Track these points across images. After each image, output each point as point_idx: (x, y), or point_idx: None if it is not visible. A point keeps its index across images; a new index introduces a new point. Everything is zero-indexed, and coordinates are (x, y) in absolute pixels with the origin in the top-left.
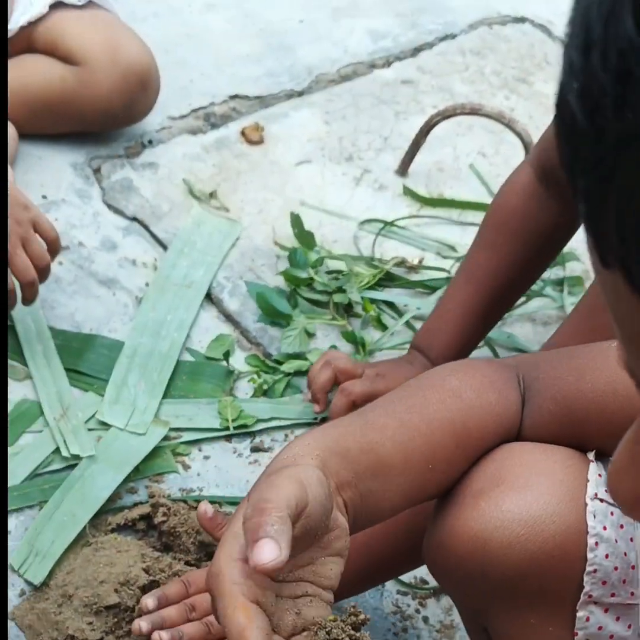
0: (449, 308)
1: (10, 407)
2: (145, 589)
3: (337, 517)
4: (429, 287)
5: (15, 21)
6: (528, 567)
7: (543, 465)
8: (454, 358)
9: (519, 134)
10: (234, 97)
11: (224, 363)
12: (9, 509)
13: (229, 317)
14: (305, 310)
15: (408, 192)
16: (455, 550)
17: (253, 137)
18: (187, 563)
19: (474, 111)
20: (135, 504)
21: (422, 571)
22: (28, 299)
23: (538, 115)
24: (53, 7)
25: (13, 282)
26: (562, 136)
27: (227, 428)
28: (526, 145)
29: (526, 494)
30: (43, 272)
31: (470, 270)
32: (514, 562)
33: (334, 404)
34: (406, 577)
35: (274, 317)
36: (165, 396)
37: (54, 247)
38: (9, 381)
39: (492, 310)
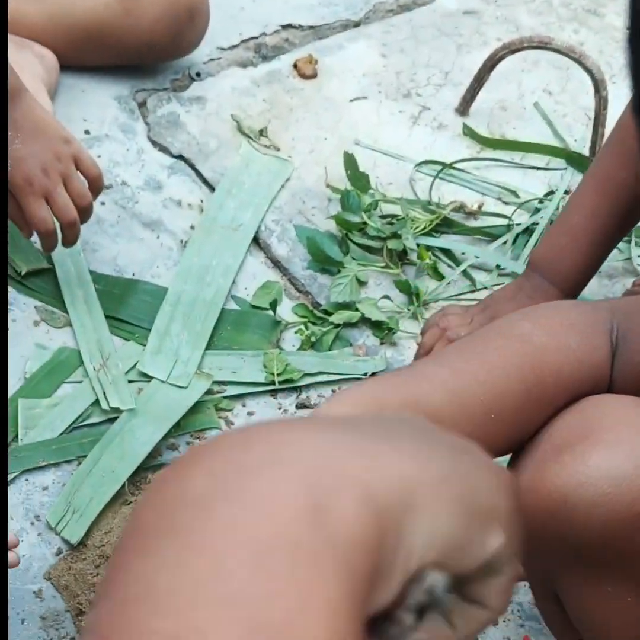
0: (576, 221)
1: (48, 356)
2: None
3: None
4: (488, 235)
5: None
6: (613, 529)
7: (637, 421)
8: (582, 282)
9: (589, 70)
10: (286, 27)
11: (271, 313)
12: (47, 462)
13: (276, 263)
14: (357, 256)
15: (468, 132)
16: (533, 507)
17: (306, 71)
18: None
19: (543, 45)
20: None
21: None
22: (68, 241)
23: (609, 50)
24: None
25: (53, 222)
26: (634, 73)
27: (272, 382)
28: (597, 83)
29: (616, 450)
30: (85, 212)
31: (600, 179)
32: (598, 522)
33: (425, 338)
34: None
35: (324, 264)
36: (208, 347)
37: (97, 185)
38: (48, 328)
39: (622, 228)
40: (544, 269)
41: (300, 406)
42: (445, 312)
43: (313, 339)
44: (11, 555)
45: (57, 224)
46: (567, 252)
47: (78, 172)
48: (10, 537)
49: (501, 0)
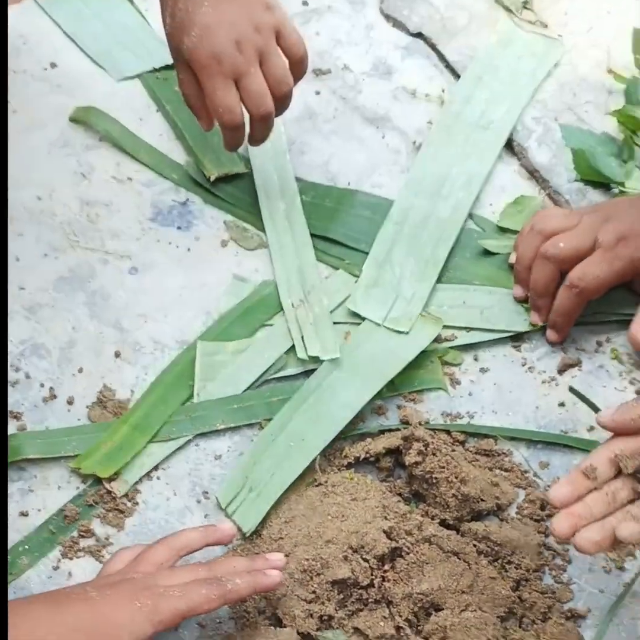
0: None
1: (249, 290)
2: (383, 560)
3: None
4: None
5: None
6: None
7: None
8: None
9: None
10: None
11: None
12: (226, 426)
13: (534, 174)
14: None
15: None
16: None
17: None
18: (443, 523)
19: None
20: (382, 431)
21: None
22: (257, 139)
23: None
24: None
25: (242, 112)
26: None
27: (513, 332)
28: None
29: None
30: (282, 101)
31: None
32: None
33: (521, 249)
34: None
35: (597, 177)
36: (439, 280)
37: (300, 69)
38: (238, 249)
39: None
40: None
41: (564, 368)
42: (542, 213)
43: None
44: (270, 579)
45: (246, 115)
46: None
47: (279, 48)
48: (276, 561)
49: None
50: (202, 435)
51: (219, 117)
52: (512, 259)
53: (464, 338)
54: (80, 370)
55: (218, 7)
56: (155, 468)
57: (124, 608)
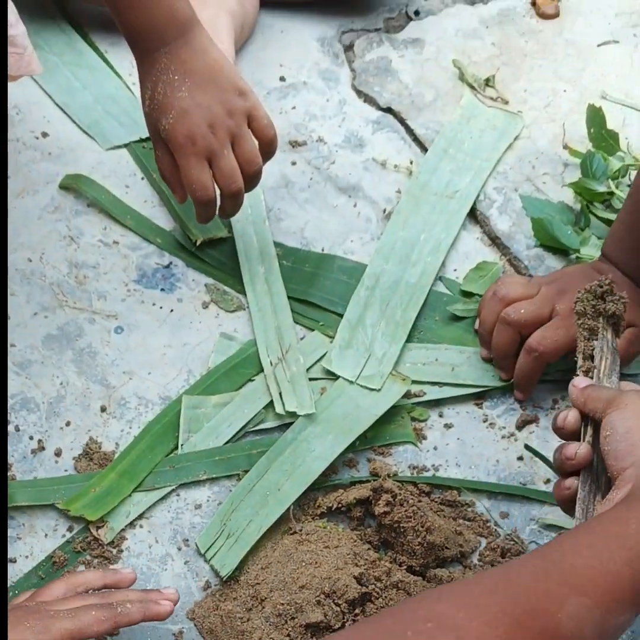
0: None
1: (235, 348)
2: (354, 604)
3: None
4: None
5: None
6: None
7: None
8: None
9: None
10: None
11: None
12: (208, 477)
13: (495, 241)
14: (600, 233)
15: None
16: None
17: (546, 9)
18: (410, 570)
19: None
20: (353, 483)
21: None
22: (228, 213)
23: None
24: None
25: (214, 189)
26: None
27: (482, 386)
28: None
29: None
30: (251, 179)
31: None
32: None
33: (483, 314)
34: None
35: (554, 244)
36: (409, 340)
37: (269, 150)
38: (219, 311)
39: None
40: (616, 263)
41: (522, 424)
42: (503, 280)
43: None
44: (162, 607)
45: (218, 192)
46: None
47: (250, 131)
48: (170, 594)
49: None
50: (184, 485)
51: (192, 192)
52: (477, 324)
53: (433, 393)
54: (68, 424)
55: (194, 92)
56: (140, 517)
57: (14, 629)
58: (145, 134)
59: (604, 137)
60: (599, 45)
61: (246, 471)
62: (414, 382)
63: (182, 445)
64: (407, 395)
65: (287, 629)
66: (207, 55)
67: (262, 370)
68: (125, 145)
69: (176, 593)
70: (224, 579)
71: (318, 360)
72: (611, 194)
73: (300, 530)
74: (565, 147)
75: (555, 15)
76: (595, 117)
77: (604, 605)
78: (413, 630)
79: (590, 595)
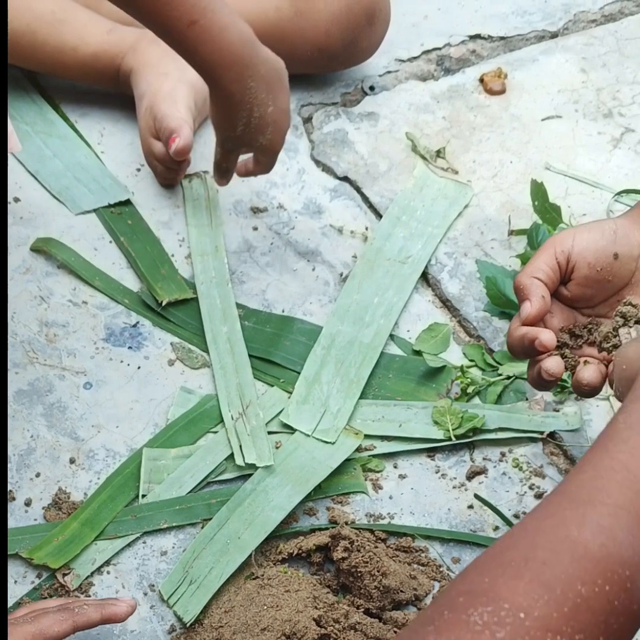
0: None
1: (194, 402)
2: None
3: None
4: None
5: None
6: None
7: None
8: None
9: None
10: (474, 37)
11: (436, 358)
12: (170, 525)
13: (446, 303)
14: None
15: None
16: None
17: (494, 86)
18: (367, 612)
19: None
20: (313, 530)
21: None
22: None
23: None
24: None
25: None
26: None
27: (431, 441)
28: None
29: None
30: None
31: None
32: None
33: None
34: None
35: (504, 307)
36: (362, 396)
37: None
38: (184, 368)
39: None
40: None
41: (472, 475)
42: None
43: (472, 389)
44: (119, 608)
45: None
46: None
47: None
48: (128, 600)
49: None
50: (150, 533)
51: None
52: None
53: (382, 447)
54: (38, 475)
55: (276, 101)
56: (107, 563)
57: None
58: (113, 199)
59: (547, 210)
60: (542, 120)
61: (207, 520)
62: (365, 436)
63: (143, 495)
64: (360, 448)
65: None
66: (269, 58)
67: (220, 423)
68: (94, 211)
69: (133, 601)
70: (187, 624)
71: (277, 415)
72: None
73: (262, 575)
74: (511, 232)
75: (502, 91)
76: (538, 191)
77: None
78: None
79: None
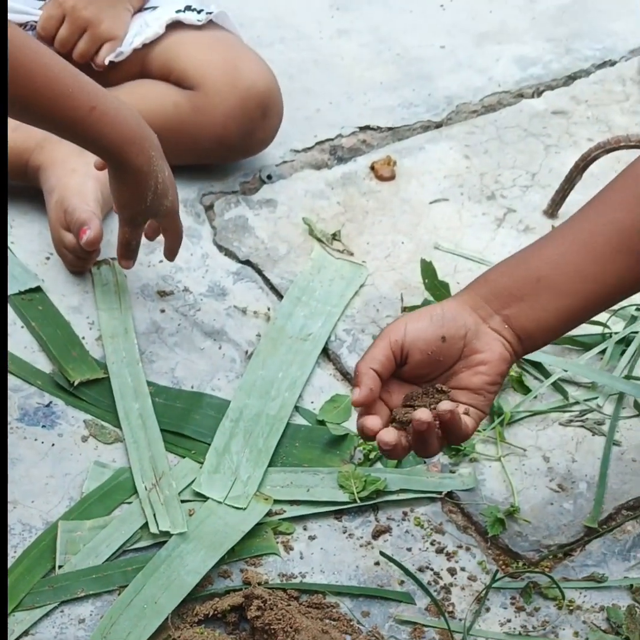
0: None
1: (108, 475)
2: None
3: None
4: (580, 344)
5: (128, 43)
6: None
7: None
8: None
9: None
10: (364, 128)
11: (339, 427)
12: (86, 593)
13: (346, 376)
14: None
15: None
16: None
17: (384, 173)
18: None
19: None
20: (228, 591)
21: None
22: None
23: None
24: (170, 27)
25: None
26: None
27: (338, 503)
28: None
29: None
30: None
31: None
32: None
33: None
34: None
35: None
36: (271, 464)
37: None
38: (97, 444)
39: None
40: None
41: (377, 534)
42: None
43: (374, 454)
44: None
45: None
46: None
47: None
48: None
49: (592, 100)
50: (68, 602)
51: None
52: None
53: (292, 511)
54: None
55: (165, 164)
56: (25, 633)
57: None
58: (24, 287)
59: (436, 287)
60: (430, 203)
61: (124, 587)
62: (275, 501)
63: (60, 566)
64: (270, 513)
65: None
66: (149, 126)
67: (134, 494)
68: None
69: None
70: None
71: (189, 484)
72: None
73: (179, 637)
74: (404, 309)
75: (392, 177)
76: (428, 269)
77: None
78: None
79: None
